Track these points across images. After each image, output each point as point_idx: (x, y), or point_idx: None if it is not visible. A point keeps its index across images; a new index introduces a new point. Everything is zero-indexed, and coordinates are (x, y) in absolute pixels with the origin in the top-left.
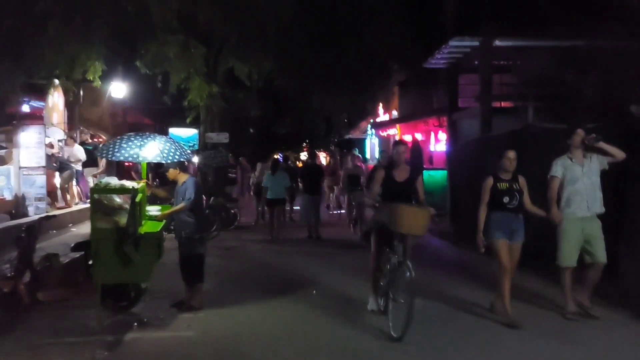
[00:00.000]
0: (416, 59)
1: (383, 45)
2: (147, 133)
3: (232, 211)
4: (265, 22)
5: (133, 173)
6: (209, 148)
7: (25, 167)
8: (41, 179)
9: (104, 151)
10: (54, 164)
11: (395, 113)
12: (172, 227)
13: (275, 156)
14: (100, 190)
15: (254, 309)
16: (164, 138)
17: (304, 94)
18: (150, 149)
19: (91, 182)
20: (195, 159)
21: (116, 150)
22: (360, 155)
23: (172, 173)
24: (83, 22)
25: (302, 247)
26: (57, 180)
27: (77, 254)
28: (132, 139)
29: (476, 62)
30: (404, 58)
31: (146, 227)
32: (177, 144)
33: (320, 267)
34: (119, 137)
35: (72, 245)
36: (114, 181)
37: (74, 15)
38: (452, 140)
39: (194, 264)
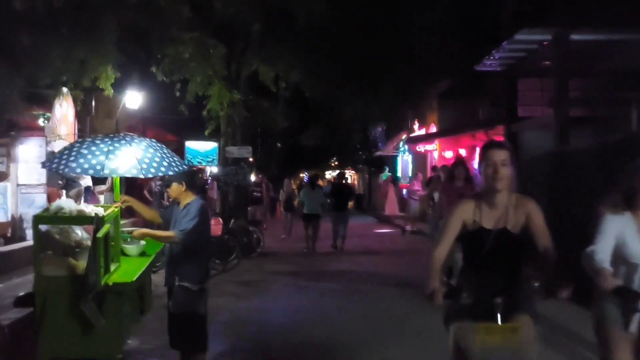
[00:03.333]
0: (464, 62)
1: (428, 47)
2: (122, 135)
3: (255, 236)
4: (293, 15)
5: (146, 192)
6: (230, 163)
7: (24, 185)
8: (41, 198)
9: (52, 162)
10: (60, 181)
11: (433, 128)
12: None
13: (302, 175)
14: (48, 219)
15: None
16: (145, 142)
17: (337, 102)
18: (123, 158)
19: (102, 200)
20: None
21: (71, 159)
22: (391, 174)
23: (174, 190)
24: (91, 19)
25: (341, 281)
26: (65, 199)
27: (23, 311)
28: (98, 142)
29: (544, 63)
30: (450, 61)
31: (119, 274)
32: (166, 151)
33: (370, 322)
34: (77, 141)
35: (16, 298)
36: (68, 206)
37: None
38: (512, 155)
39: (190, 326)
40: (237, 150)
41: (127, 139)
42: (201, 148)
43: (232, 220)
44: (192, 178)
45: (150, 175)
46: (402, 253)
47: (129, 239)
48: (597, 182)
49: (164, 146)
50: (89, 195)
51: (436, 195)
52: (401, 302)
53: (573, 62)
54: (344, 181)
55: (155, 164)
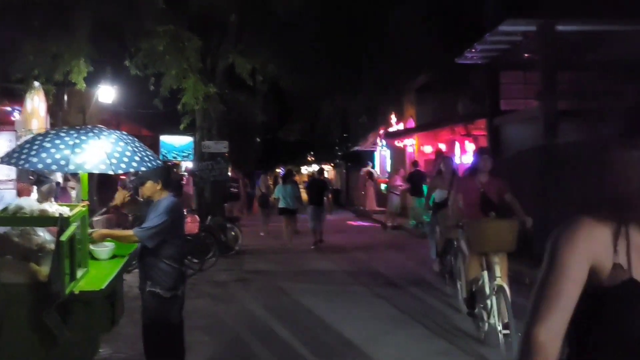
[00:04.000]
0: (445, 55)
1: (408, 39)
2: (89, 127)
3: (233, 233)
4: (271, 8)
5: (120, 188)
6: (206, 159)
7: None
8: (10, 195)
9: (10, 156)
10: (30, 177)
11: (411, 123)
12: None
13: (277, 170)
14: (5, 220)
15: None
16: (114, 135)
17: (316, 96)
18: (90, 153)
19: (74, 195)
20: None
21: (32, 153)
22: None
23: (149, 188)
24: (63, 13)
25: (324, 281)
26: (34, 195)
27: None
28: (63, 135)
29: (527, 55)
30: (430, 54)
31: (86, 281)
32: (137, 145)
33: (355, 319)
34: (40, 133)
35: None
36: (29, 205)
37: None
38: (495, 148)
39: (163, 336)
40: (214, 145)
41: (95, 131)
42: (176, 142)
43: (209, 217)
44: (168, 175)
45: (120, 172)
46: (384, 249)
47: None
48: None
49: (135, 139)
50: (59, 191)
51: (438, 194)
52: (390, 304)
53: (559, 54)
54: (321, 177)
55: (126, 159)
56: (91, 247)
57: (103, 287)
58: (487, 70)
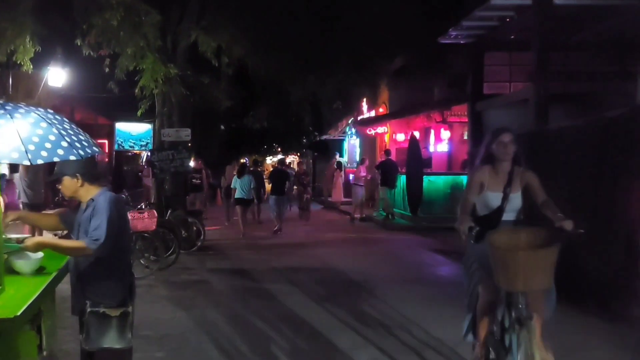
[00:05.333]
0: (423, 36)
1: (385, 19)
2: (2, 102)
3: (195, 227)
4: None
5: None
6: (166, 148)
7: None
8: None
9: None
10: None
11: (382, 110)
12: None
13: (242, 160)
14: None
15: None
16: (34, 113)
17: (285, 79)
18: (0, 138)
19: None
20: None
21: None
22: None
23: (68, 186)
24: None
25: (295, 280)
26: None
27: None
28: None
29: (513, 36)
30: (409, 34)
31: (1, 303)
32: (67, 127)
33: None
34: None
35: None
36: None
37: None
38: (477, 136)
39: None
40: (175, 133)
41: (7, 107)
42: (133, 130)
43: (169, 211)
44: (90, 168)
45: (40, 161)
46: (355, 243)
47: (20, 250)
48: (589, 163)
49: (65, 120)
50: (4, 183)
51: (484, 200)
52: (369, 306)
53: (555, 31)
54: (282, 167)
55: (48, 145)
56: (10, 257)
57: (18, 313)
58: (471, 50)
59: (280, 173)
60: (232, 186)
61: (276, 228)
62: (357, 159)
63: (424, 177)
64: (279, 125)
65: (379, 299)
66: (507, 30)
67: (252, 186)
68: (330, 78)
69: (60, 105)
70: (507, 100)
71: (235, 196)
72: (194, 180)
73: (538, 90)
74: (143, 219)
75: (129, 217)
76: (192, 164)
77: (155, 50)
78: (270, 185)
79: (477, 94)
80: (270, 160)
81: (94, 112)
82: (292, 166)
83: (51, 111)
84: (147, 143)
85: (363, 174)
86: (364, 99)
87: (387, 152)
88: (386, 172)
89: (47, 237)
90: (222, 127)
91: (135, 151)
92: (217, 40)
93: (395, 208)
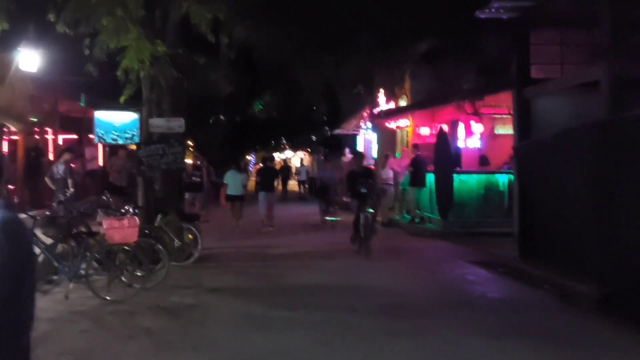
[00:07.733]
0: (457, 10)
1: None
2: None
3: (190, 236)
4: None
5: (47, 179)
6: (156, 141)
7: None
8: None
9: None
10: None
11: (402, 102)
12: None
13: (248, 157)
14: None
15: None
16: None
17: (298, 59)
18: None
19: None
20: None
21: None
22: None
23: None
24: None
25: (312, 305)
26: None
27: None
28: None
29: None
30: (440, 13)
31: None
32: None
33: None
34: None
35: None
36: None
37: None
38: (524, 128)
39: None
40: (165, 123)
41: None
42: (116, 121)
43: (159, 217)
44: None
45: None
46: (381, 252)
47: None
48: None
49: None
50: None
51: None
52: (426, 342)
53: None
54: (271, 164)
55: None
56: None
57: None
58: (515, 27)
59: (269, 170)
60: (224, 181)
61: (269, 224)
62: (374, 155)
63: (454, 175)
64: (288, 117)
65: (435, 334)
66: (560, 3)
67: (243, 183)
68: (349, 59)
69: (40, 94)
70: (568, 84)
71: (228, 192)
72: (193, 178)
73: (612, 70)
74: (122, 228)
75: (105, 226)
76: (190, 160)
77: (139, 23)
78: (259, 181)
79: (523, 79)
80: (278, 158)
81: (78, 102)
82: (289, 164)
83: None
84: (133, 135)
85: (398, 169)
86: (381, 90)
87: (416, 147)
88: (418, 170)
89: None
90: (222, 117)
91: (117, 144)
92: (212, 10)
93: (425, 212)
